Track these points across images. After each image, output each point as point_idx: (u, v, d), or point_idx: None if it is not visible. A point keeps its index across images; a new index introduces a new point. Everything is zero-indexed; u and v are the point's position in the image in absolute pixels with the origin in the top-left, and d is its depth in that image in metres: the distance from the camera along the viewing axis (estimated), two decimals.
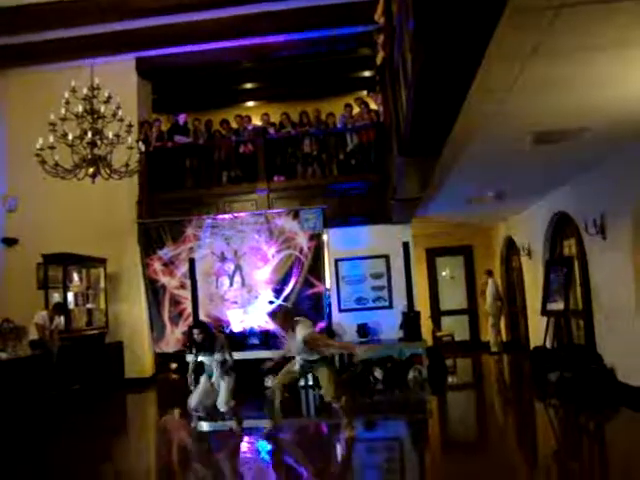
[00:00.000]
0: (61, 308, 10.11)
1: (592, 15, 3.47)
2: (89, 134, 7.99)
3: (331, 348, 6.72)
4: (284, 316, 9.74)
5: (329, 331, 10.75)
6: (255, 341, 10.74)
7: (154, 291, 11.42)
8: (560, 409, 7.96)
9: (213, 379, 6.78)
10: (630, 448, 5.77)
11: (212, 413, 6.90)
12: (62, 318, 10.31)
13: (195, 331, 6.77)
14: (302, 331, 6.38)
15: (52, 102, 8.48)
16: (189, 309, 10.92)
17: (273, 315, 11.00)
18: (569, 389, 8.14)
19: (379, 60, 8.64)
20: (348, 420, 6.37)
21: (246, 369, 10.04)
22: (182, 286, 11.28)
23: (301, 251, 11.05)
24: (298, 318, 6.65)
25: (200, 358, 6.90)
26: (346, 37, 11.55)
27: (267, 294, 11.09)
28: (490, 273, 13.93)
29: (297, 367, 6.56)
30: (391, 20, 6.38)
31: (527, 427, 7.35)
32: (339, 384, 6.62)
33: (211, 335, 6.79)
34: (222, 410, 6.69)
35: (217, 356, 6.67)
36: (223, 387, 6.66)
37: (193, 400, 6.75)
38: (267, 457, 6.33)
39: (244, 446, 6.69)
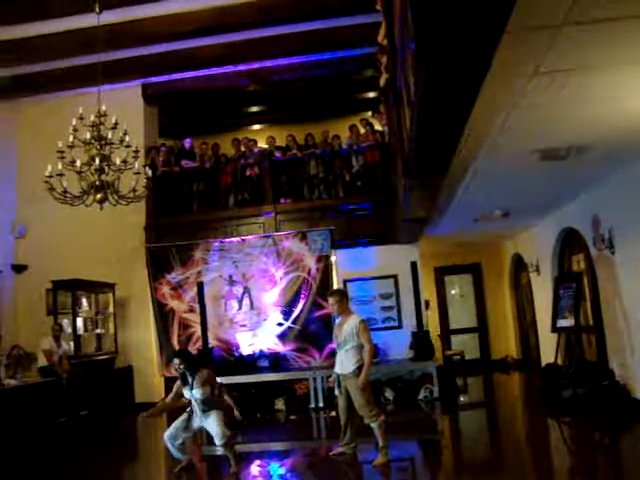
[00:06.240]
0: (60, 326, 10.13)
1: (593, 33, 3.49)
2: (97, 161, 8.04)
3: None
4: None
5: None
6: (264, 364, 10.72)
7: (163, 315, 11.41)
8: (574, 426, 7.87)
9: (192, 417, 6.08)
10: None
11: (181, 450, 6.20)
12: (72, 344, 10.33)
13: (176, 361, 6.05)
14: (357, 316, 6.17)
15: (60, 129, 8.55)
16: (198, 333, 10.91)
17: (282, 337, 10.98)
18: (582, 406, 8.05)
19: (383, 82, 8.71)
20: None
21: (256, 391, 10.08)
22: (191, 310, 11.27)
23: (309, 273, 11.04)
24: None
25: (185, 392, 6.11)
26: (350, 59, 11.65)
27: (276, 316, 11.08)
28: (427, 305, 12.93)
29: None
30: (393, 42, 6.44)
31: (541, 445, 7.25)
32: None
33: (194, 367, 6.06)
34: (219, 444, 5.96)
35: (196, 392, 5.95)
36: (213, 423, 5.93)
37: (166, 432, 6.12)
38: None
39: (253, 471, 6.60)
